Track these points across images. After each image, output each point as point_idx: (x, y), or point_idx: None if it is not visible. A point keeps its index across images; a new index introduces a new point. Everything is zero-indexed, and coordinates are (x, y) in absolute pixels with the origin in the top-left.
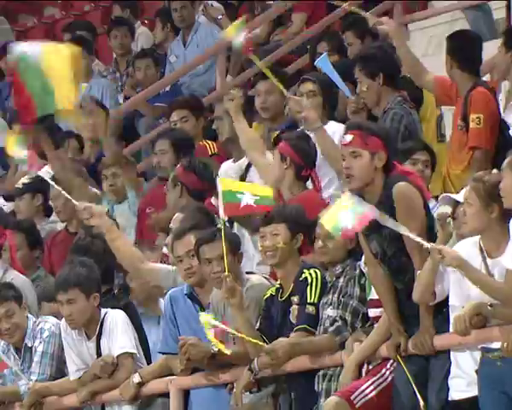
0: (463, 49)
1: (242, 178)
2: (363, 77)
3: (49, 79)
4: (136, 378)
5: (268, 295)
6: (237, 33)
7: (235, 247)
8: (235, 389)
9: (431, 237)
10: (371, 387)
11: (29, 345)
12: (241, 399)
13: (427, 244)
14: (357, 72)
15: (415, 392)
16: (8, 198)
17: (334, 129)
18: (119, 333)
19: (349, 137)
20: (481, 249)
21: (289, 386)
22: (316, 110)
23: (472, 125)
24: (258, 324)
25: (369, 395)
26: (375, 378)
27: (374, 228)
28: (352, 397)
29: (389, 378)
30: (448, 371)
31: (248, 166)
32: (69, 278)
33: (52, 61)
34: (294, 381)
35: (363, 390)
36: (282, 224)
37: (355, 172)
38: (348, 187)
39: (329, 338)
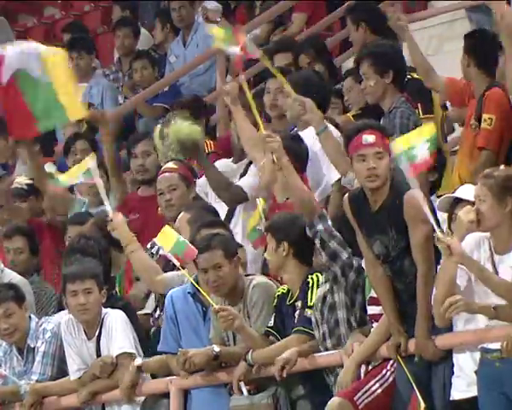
0: (481, 47)
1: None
2: (372, 73)
3: (54, 93)
4: (137, 361)
5: (280, 293)
6: (227, 43)
7: (231, 253)
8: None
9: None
10: (374, 387)
11: (32, 346)
12: (238, 387)
13: (439, 234)
14: (365, 67)
15: (415, 392)
16: None
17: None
18: (118, 333)
19: (371, 138)
20: (489, 245)
21: (289, 388)
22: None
23: (483, 125)
24: (272, 321)
25: (372, 396)
26: (376, 379)
27: (378, 229)
28: (355, 398)
29: (390, 379)
30: (451, 370)
31: (247, 166)
32: (86, 270)
33: (54, 71)
34: (294, 383)
35: (366, 391)
36: (268, 234)
37: (381, 172)
38: (371, 186)
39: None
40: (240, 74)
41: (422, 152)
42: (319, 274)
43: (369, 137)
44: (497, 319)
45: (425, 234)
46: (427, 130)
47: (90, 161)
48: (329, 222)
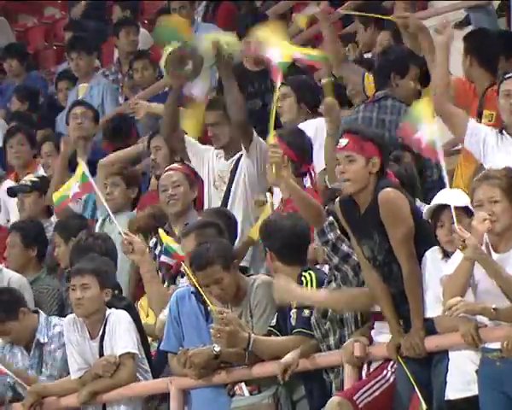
0: (482, 46)
1: (232, 173)
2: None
3: None
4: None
5: None
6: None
7: (229, 262)
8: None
9: (422, 240)
10: (374, 387)
11: (42, 341)
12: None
13: (458, 226)
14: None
15: (416, 393)
16: (11, 194)
17: (315, 126)
18: (122, 333)
19: (344, 142)
20: (487, 244)
21: (290, 388)
22: (290, 112)
23: (484, 121)
24: (274, 320)
25: (372, 396)
26: (377, 379)
27: (365, 233)
28: (354, 397)
29: (391, 379)
30: (447, 370)
31: (237, 162)
32: (87, 266)
33: None
34: (295, 383)
35: (366, 390)
36: None
37: (350, 177)
38: (344, 191)
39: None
40: None
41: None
42: (312, 272)
43: (343, 141)
44: (498, 320)
45: (403, 232)
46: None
47: (82, 165)
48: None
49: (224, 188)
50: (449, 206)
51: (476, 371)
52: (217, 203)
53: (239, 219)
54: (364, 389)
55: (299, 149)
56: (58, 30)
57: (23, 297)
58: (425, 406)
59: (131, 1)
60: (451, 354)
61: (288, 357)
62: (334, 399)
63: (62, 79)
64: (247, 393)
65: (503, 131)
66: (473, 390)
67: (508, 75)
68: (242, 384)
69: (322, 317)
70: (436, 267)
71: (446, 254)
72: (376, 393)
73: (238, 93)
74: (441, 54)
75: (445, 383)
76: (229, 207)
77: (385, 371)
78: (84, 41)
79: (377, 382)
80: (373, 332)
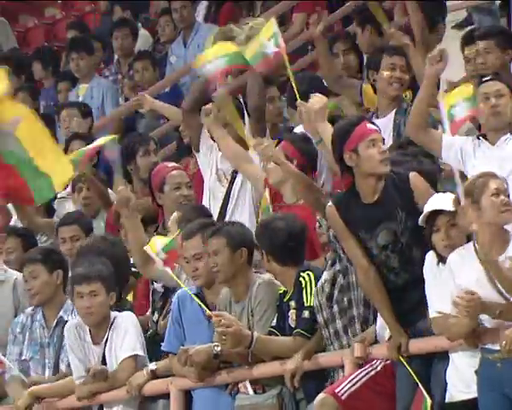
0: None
1: (234, 173)
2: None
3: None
4: (152, 366)
5: (281, 291)
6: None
7: (235, 243)
8: None
9: None
10: (358, 377)
11: (65, 318)
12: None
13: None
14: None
15: (420, 390)
16: None
17: None
18: (130, 335)
19: (374, 126)
20: (476, 251)
21: (294, 388)
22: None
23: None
24: (275, 320)
25: (356, 386)
26: (364, 368)
27: (384, 216)
28: (336, 390)
29: (378, 367)
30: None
31: None
32: (93, 272)
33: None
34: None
35: (350, 381)
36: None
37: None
38: (386, 170)
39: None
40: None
41: (461, 111)
42: (311, 272)
43: (372, 125)
44: (498, 318)
45: None
46: (466, 90)
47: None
48: None
49: (226, 185)
50: (443, 211)
51: (475, 372)
52: (218, 195)
53: (243, 219)
54: (347, 380)
55: (308, 155)
56: (58, 30)
57: (67, 273)
58: (429, 401)
59: (132, 1)
60: (453, 356)
61: (293, 362)
62: (318, 397)
63: (63, 80)
64: (251, 391)
65: (480, 138)
66: (475, 392)
67: (485, 79)
68: (247, 382)
69: (327, 300)
70: (431, 271)
71: (442, 259)
72: (360, 382)
73: (258, 79)
74: (427, 83)
75: (445, 382)
76: (230, 208)
77: (374, 361)
78: (85, 41)
79: (363, 370)
80: (377, 327)
